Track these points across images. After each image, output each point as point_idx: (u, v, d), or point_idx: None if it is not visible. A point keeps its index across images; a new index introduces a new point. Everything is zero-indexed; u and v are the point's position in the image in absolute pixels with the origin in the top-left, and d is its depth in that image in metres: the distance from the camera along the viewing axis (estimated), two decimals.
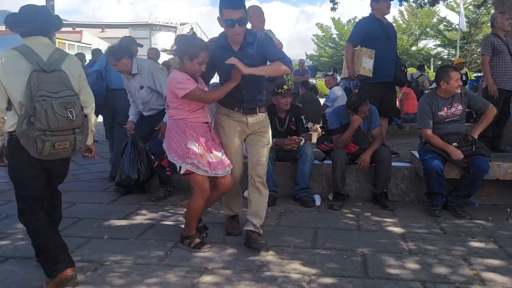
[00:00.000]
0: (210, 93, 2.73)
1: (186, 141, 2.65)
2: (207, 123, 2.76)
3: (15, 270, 2.50)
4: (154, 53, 6.93)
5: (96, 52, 8.08)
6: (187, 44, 2.65)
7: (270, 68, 2.71)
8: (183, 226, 3.07)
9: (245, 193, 3.82)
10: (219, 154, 2.74)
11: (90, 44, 40.04)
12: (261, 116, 2.89)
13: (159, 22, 44.52)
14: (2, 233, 3.10)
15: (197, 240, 2.82)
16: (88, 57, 9.19)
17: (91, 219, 3.43)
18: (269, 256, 2.70)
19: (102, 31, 45.91)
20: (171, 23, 45.25)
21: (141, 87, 3.84)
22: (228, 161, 2.78)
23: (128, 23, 47.64)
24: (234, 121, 2.83)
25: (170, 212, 3.63)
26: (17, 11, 2.32)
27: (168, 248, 2.82)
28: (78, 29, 41.35)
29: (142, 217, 3.48)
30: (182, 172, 2.67)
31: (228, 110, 2.83)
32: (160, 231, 3.16)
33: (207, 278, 2.41)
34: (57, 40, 11.73)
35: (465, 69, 10.39)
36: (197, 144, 2.65)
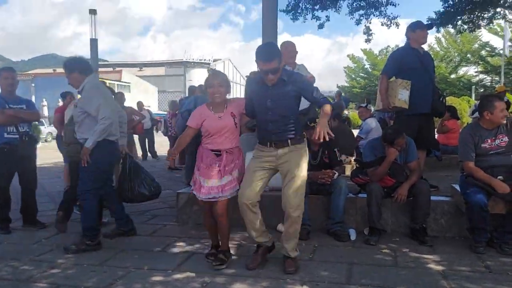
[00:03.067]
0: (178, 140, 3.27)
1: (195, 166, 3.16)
2: (216, 151, 3.04)
3: None
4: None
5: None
6: None
7: (327, 113, 2.87)
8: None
9: (278, 227, 3.85)
10: (215, 181, 2.99)
11: (129, 83, 42.36)
12: (293, 148, 2.95)
13: (193, 59, 46.34)
14: (53, 262, 3.28)
15: (211, 251, 3.24)
16: (128, 95, 9.77)
17: (132, 250, 3.56)
18: None
19: (140, 70, 48.35)
20: (205, 60, 46.94)
21: (75, 106, 3.73)
22: (220, 188, 2.98)
23: (163, 61, 49.97)
24: (265, 152, 3.00)
25: (207, 244, 3.69)
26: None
27: (204, 281, 2.87)
28: (117, 68, 43.90)
29: (180, 249, 3.57)
30: None
31: (263, 146, 3.02)
32: (197, 262, 3.22)
33: None
34: (100, 80, 12.61)
35: (506, 97, 9.96)
36: (197, 170, 3.09)
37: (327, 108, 2.88)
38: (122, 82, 39.55)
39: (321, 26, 9.32)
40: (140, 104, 10.78)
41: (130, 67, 48.42)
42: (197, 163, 3.12)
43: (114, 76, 39.67)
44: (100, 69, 12.05)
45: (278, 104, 2.90)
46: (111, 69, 42.86)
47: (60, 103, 7.23)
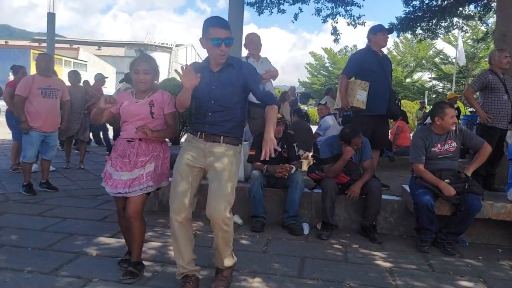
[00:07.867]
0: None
1: None
2: (130, 139, 2.68)
3: (7, 281, 2.52)
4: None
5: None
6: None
7: (273, 120, 2.47)
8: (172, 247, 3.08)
9: (235, 218, 3.85)
10: (124, 174, 2.60)
11: (86, 61, 40.33)
12: (224, 148, 2.49)
13: (155, 42, 44.97)
14: None
15: (125, 256, 2.88)
16: (84, 74, 8.96)
17: (81, 235, 3.42)
18: (255, 283, 2.70)
19: (98, 49, 46.30)
20: (167, 44, 45.74)
21: None
22: (129, 183, 2.58)
23: (124, 41, 48.19)
24: (192, 147, 2.55)
25: (159, 232, 3.62)
26: None
27: (155, 269, 2.81)
28: (75, 46, 41.67)
29: None
30: None
31: (193, 136, 2.58)
32: (148, 251, 3.14)
33: None
34: (55, 56, 11.99)
35: (458, 103, 10.49)
36: (108, 160, 2.73)
37: (274, 113, 2.48)
38: (78, 60, 37.67)
39: (295, 17, 9.45)
40: (86, 82, 9.09)
41: (88, 45, 46.23)
42: (111, 153, 2.75)
43: (71, 53, 37.70)
44: (56, 45, 11.51)
45: (223, 92, 2.48)
46: (68, 45, 40.62)
47: (11, 77, 6.70)
